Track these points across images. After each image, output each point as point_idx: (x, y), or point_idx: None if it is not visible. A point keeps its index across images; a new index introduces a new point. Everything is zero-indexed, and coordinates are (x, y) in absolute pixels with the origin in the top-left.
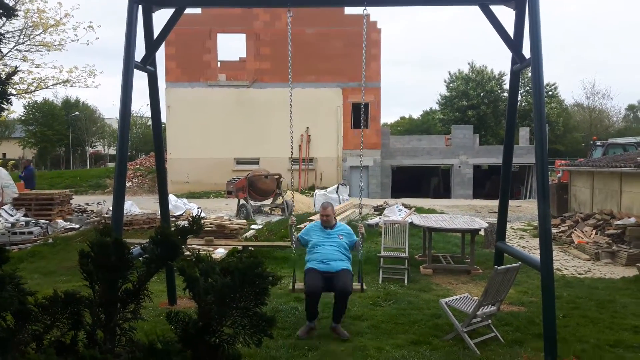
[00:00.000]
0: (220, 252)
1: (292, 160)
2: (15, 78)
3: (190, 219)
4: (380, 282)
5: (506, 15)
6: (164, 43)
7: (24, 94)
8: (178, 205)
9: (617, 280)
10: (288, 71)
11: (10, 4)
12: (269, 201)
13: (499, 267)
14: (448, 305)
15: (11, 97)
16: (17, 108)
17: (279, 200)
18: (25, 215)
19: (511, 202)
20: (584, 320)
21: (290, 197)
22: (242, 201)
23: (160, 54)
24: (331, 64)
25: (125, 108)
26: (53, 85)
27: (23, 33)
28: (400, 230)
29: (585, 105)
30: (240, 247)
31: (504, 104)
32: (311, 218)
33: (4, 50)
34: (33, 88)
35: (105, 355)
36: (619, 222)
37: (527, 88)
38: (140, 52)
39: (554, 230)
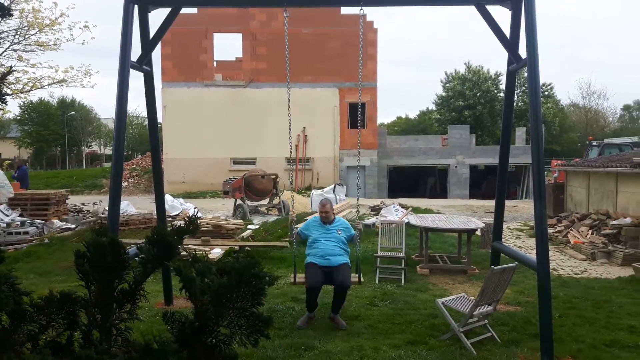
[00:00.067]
0: (216, 252)
1: (290, 159)
2: (11, 78)
3: (187, 219)
4: (377, 282)
5: (502, 15)
6: (160, 43)
7: (19, 94)
8: (174, 206)
9: (613, 280)
10: (284, 71)
11: (5, 4)
12: (265, 201)
13: (496, 267)
14: (445, 305)
15: (6, 96)
16: (12, 108)
17: (276, 200)
18: (20, 215)
19: (507, 202)
20: (580, 320)
21: (290, 197)
22: (239, 201)
23: (157, 54)
24: (328, 64)
25: (121, 108)
26: (49, 85)
27: (18, 33)
28: (397, 230)
29: (581, 106)
30: (237, 247)
31: (500, 104)
32: (307, 218)
33: None
34: (28, 88)
35: (101, 355)
36: (614, 222)
37: (524, 88)
38: (136, 52)
39: (550, 230)
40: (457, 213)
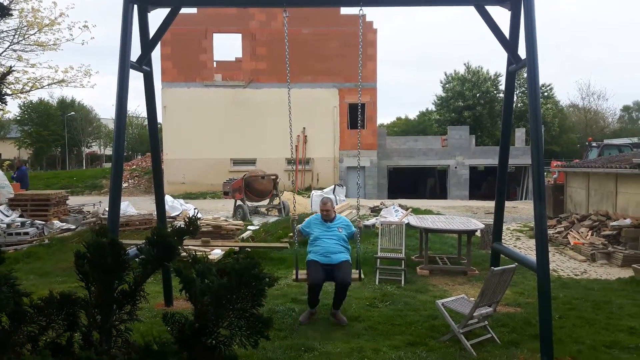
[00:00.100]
0: (216, 253)
1: (291, 160)
2: (10, 78)
3: (187, 220)
4: (377, 283)
5: (502, 15)
6: (159, 43)
7: (19, 94)
8: (174, 206)
9: (612, 281)
10: (284, 71)
11: (5, 3)
12: (265, 202)
13: (495, 268)
14: (444, 306)
15: (6, 97)
16: (12, 108)
17: (276, 201)
18: (21, 216)
19: (507, 203)
20: (580, 321)
21: (290, 197)
22: (239, 202)
23: (156, 54)
24: (327, 65)
25: (121, 108)
26: (48, 85)
27: (18, 32)
28: (397, 231)
29: (581, 106)
30: (237, 248)
31: (499, 104)
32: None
33: None
34: (28, 88)
35: (101, 356)
36: (614, 223)
37: (523, 89)
38: (136, 52)
39: (550, 232)
40: (457, 214)
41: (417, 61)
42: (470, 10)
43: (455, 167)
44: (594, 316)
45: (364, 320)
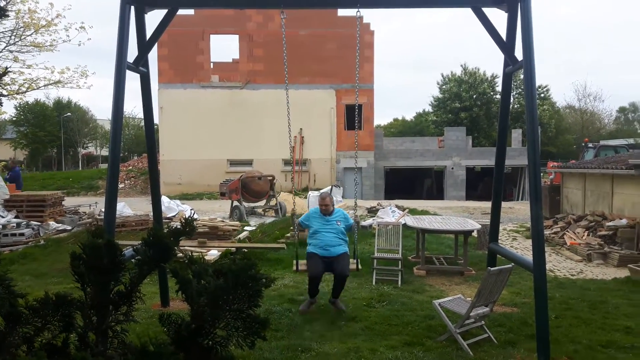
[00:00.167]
0: (213, 254)
1: (289, 160)
2: (6, 79)
3: (183, 221)
4: (373, 283)
5: (499, 17)
6: (156, 44)
7: (15, 95)
8: (171, 207)
9: (608, 281)
10: (281, 72)
11: (1, 4)
12: (262, 203)
13: (492, 269)
14: (441, 306)
15: (2, 97)
16: (8, 109)
17: (273, 202)
18: (16, 217)
19: (504, 204)
20: (576, 321)
21: (286, 198)
22: (236, 203)
23: (153, 55)
24: (324, 66)
25: (117, 109)
26: (45, 86)
27: (14, 33)
28: (394, 232)
29: (577, 108)
30: (234, 248)
31: (496, 106)
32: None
33: None
34: (24, 89)
35: (96, 357)
36: (610, 223)
37: (520, 90)
38: (132, 53)
39: (547, 232)
40: (454, 214)
41: (414, 63)
42: (467, 12)
43: (452, 168)
44: (590, 316)
45: (361, 320)
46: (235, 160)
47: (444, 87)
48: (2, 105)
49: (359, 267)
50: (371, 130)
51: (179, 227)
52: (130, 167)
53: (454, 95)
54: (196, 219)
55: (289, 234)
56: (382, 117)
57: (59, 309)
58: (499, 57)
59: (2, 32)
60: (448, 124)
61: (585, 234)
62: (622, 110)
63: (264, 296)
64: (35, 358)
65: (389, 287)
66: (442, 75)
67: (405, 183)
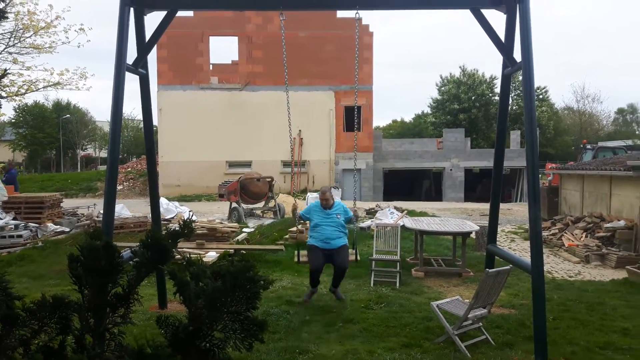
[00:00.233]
0: (211, 256)
1: (291, 161)
2: (6, 80)
3: (182, 223)
4: (372, 285)
5: (497, 19)
6: (155, 46)
7: (14, 97)
8: (169, 209)
9: (606, 282)
10: (280, 74)
11: (1, 6)
12: (261, 204)
13: (490, 270)
14: (439, 308)
15: (1, 99)
16: (7, 111)
17: (271, 204)
18: (14, 219)
19: (502, 205)
20: (574, 323)
21: (289, 197)
22: (234, 204)
23: (152, 57)
24: (324, 67)
25: (116, 111)
26: (44, 87)
27: (13, 35)
28: (392, 233)
29: (576, 109)
30: (232, 250)
31: (495, 107)
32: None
33: None
34: (23, 91)
35: None
36: (608, 225)
37: (518, 91)
38: (132, 55)
39: (545, 233)
40: (452, 216)
41: (413, 64)
42: (466, 13)
43: (451, 170)
44: (588, 317)
45: (359, 322)
46: (234, 161)
47: (442, 88)
48: (1, 107)
49: (358, 257)
50: (370, 131)
51: (177, 228)
52: (129, 169)
53: (453, 96)
54: (194, 220)
55: (287, 235)
56: (381, 118)
57: (56, 311)
58: (498, 58)
59: (2, 33)
60: (447, 125)
61: (583, 235)
62: (620, 111)
63: (262, 298)
64: None
65: (387, 289)
66: (441, 77)
67: (404, 184)
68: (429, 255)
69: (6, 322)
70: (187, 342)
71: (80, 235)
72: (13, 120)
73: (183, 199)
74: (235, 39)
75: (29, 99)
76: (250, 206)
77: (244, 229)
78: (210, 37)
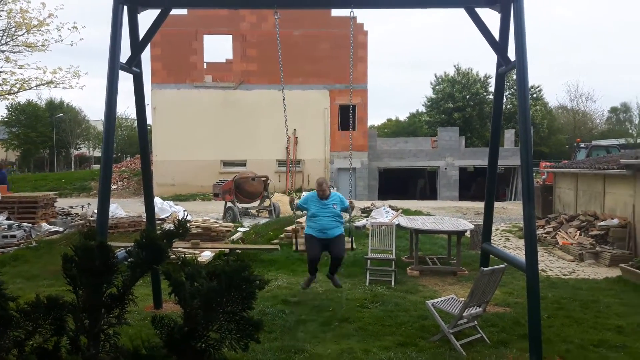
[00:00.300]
0: (206, 255)
1: (284, 160)
2: None
3: (176, 222)
4: (367, 284)
5: (492, 18)
6: (149, 44)
7: (6, 95)
8: (164, 208)
9: (600, 280)
10: (274, 73)
11: None
12: (256, 203)
13: (485, 269)
14: (434, 306)
15: None
16: None
17: (266, 203)
18: (8, 218)
19: (496, 204)
20: (568, 321)
21: (286, 196)
22: (229, 203)
23: (146, 55)
24: (318, 66)
25: (110, 110)
26: (37, 86)
27: (6, 33)
28: (387, 232)
29: (569, 108)
30: (227, 250)
31: (489, 106)
32: (299, 220)
33: None
34: (16, 89)
35: None
36: (602, 223)
37: (512, 90)
38: (125, 53)
39: (539, 232)
40: (447, 215)
41: (407, 63)
42: (461, 12)
43: (445, 168)
44: (582, 315)
45: (354, 321)
46: (228, 161)
47: (437, 87)
48: None
49: (354, 246)
50: (365, 130)
51: (172, 228)
52: (123, 168)
53: (447, 95)
54: (189, 220)
55: (282, 235)
56: (375, 117)
57: (51, 312)
58: (492, 57)
59: None
60: (441, 124)
61: (578, 233)
62: (613, 110)
63: (258, 297)
64: None
65: (383, 288)
66: (436, 76)
67: (399, 183)
68: (424, 254)
69: (0, 323)
70: (182, 342)
71: (74, 235)
72: (6, 119)
73: (177, 198)
74: (230, 37)
75: (22, 97)
76: (245, 205)
77: (239, 229)
78: (205, 36)
